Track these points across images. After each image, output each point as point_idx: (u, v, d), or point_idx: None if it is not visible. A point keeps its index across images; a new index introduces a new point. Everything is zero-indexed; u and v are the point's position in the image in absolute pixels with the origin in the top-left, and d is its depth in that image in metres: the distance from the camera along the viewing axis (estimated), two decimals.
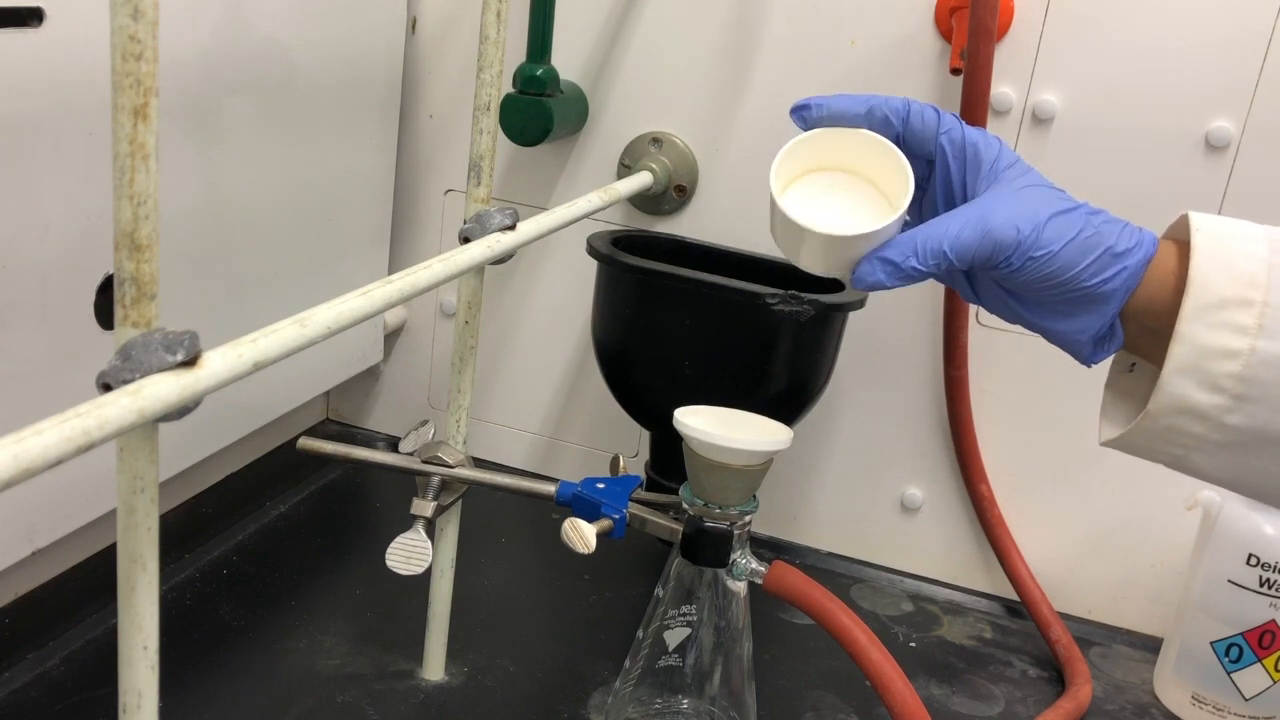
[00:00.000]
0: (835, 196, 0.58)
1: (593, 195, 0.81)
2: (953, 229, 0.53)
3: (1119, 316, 0.55)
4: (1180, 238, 0.55)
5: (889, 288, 0.56)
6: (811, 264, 0.58)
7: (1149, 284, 0.54)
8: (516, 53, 0.93)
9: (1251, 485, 0.55)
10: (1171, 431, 0.53)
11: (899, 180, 0.56)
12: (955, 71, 0.87)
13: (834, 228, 0.55)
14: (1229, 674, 0.83)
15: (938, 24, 0.91)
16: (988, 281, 0.58)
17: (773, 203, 0.57)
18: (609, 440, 1.08)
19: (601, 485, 0.69)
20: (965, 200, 0.57)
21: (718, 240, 0.98)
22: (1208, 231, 0.53)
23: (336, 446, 0.73)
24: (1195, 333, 0.51)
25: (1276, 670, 0.81)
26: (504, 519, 1.02)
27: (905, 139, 0.58)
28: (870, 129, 0.58)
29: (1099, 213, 0.54)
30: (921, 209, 0.60)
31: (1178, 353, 0.51)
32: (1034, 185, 0.55)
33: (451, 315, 1.09)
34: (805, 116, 0.59)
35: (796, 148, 0.58)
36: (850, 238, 0.55)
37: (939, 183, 0.58)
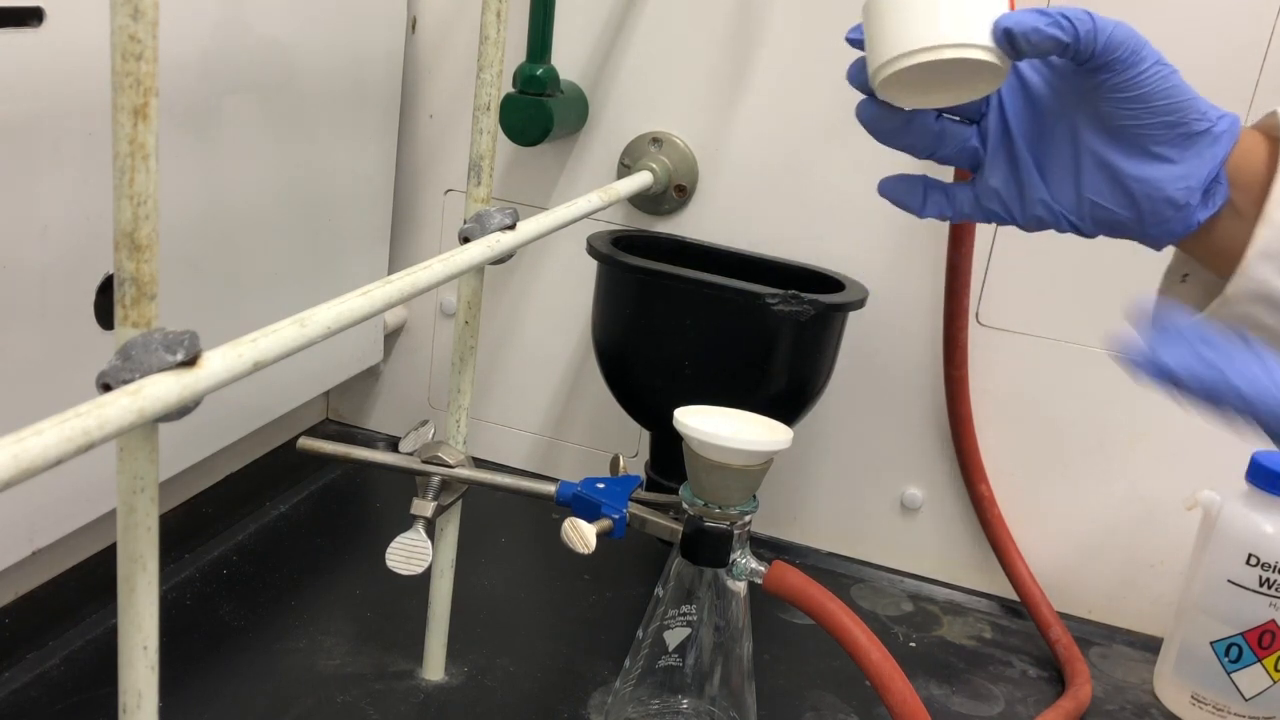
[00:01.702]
0: None
1: (593, 195, 0.81)
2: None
3: (1224, 166, 0.52)
4: (1266, 132, 0.53)
5: (1040, 36, 0.49)
6: (951, 31, 0.51)
7: (1240, 152, 0.52)
8: (516, 53, 0.93)
9: None
10: (1245, 321, 0.51)
11: None
12: None
13: None
14: (1229, 674, 0.83)
15: None
16: (1077, 137, 0.53)
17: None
18: (609, 440, 1.08)
19: (601, 485, 0.69)
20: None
21: (718, 240, 0.98)
22: None
23: (336, 446, 0.73)
24: None
25: (1276, 670, 0.81)
26: (504, 519, 1.01)
27: None
28: None
29: None
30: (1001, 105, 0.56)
31: (1264, 235, 0.50)
32: None
33: (451, 315, 1.09)
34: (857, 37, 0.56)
35: None
36: None
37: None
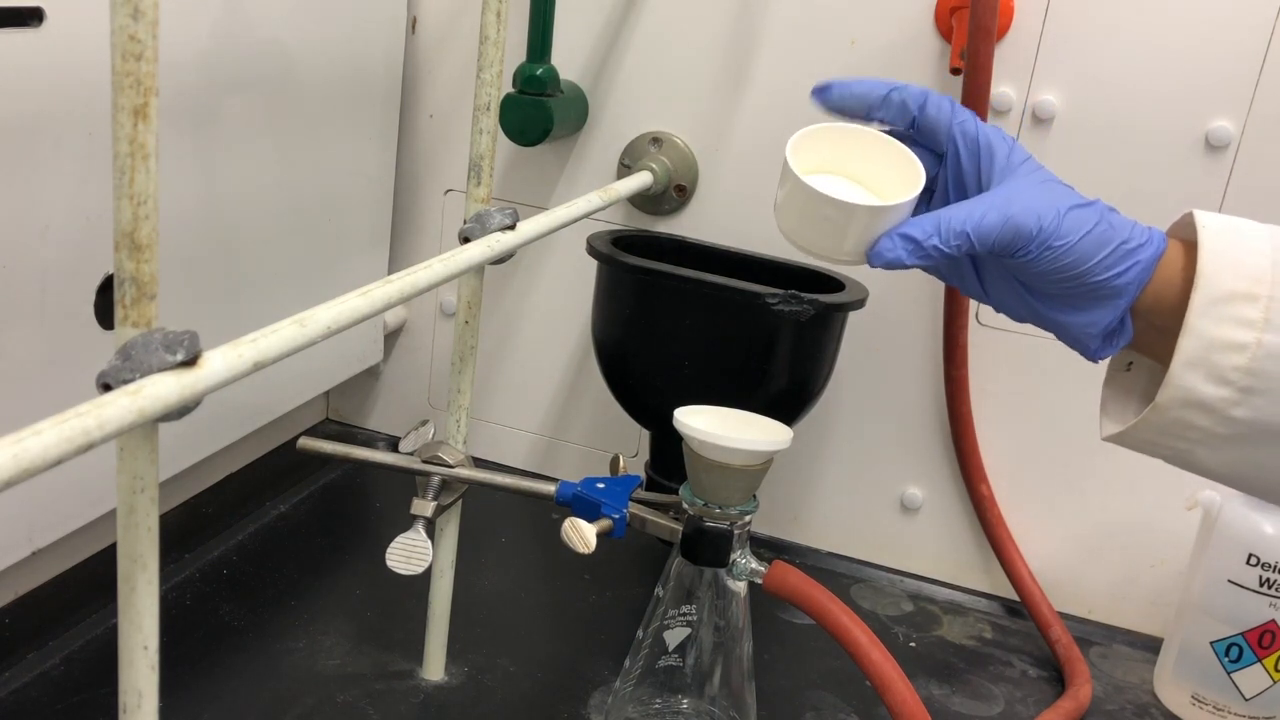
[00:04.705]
0: (847, 188, 0.58)
1: (593, 195, 0.81)
2: (975, 213, 0.54)
3: (1129, 312, 0.56)
4: (1183, 236, 0.55)
5: (906, 267, 0.55)
6: (826, 245, 0.57)
7: (1158, 281, 0.54)
8: (516, 53, 0.93)
9: (1251, 480, 0.55)
10: (1178, 425, 0.54)
11: (910, 174, 0.57)
12: (955, 71, 0.87)
13: (859, 198, 0.56)
14: (1229, 674, 0.83)
15: (938, 24, 0.91)
16: (999, 274, 0.58)
17: (789, 181, 0.57)
18: (609, 440, 1.08)
19: (601, 485, 0.69)
20: (977, 193, 0.57)
21: (718, 240, 0.98)
22: (1214, 228, 0.54)
23: (336, 446, 0.73)
24: (1204, 326, 0.52)
25: (1276, 670, 0.81)
26: (504, 519, 1.01)
27: (919, 126, 0.58)
28: (887, 113, 0.59)
29: (1113, 210, 0.55)
30: (931, 202, 0.60)
31: (1186, 346, 0.52)
32: (1051, 180, 0.56)
33: (451, 315, 1.09)
34: (826, 98, 0.60)
35: (808, 137, 0.58)
36: (874, 208, 0.55)
37: (950, 176, 0.58)
